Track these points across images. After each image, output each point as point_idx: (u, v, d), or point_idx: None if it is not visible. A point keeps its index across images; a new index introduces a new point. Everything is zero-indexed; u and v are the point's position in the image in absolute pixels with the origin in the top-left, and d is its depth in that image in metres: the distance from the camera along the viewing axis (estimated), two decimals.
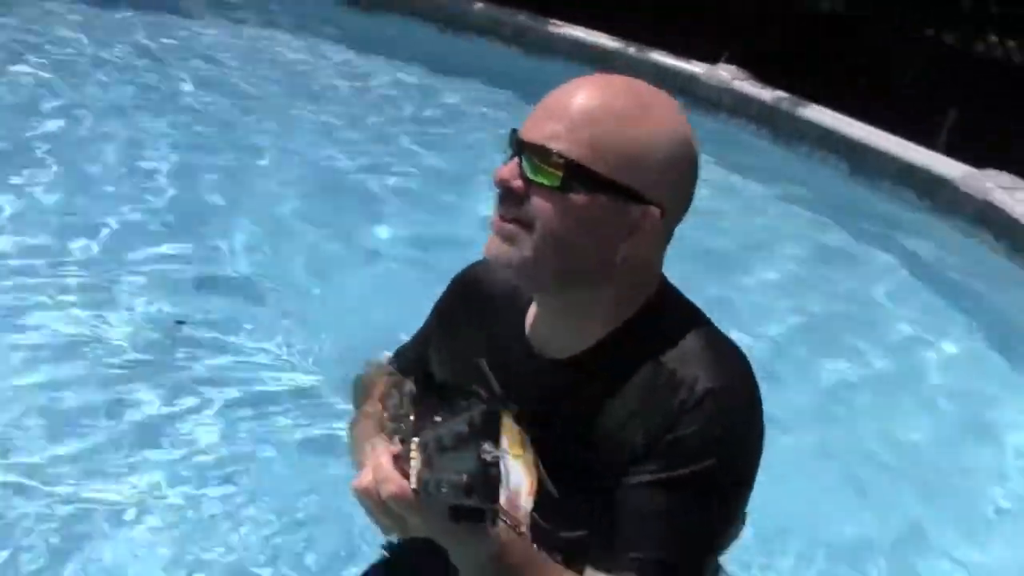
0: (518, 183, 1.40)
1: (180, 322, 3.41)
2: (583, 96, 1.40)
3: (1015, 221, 4.55)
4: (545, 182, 1.38)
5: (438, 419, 1.26)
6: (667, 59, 6.45)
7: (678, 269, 1.55)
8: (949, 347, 4.00)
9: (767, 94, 6.05)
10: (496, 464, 1.22)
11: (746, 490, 1.47)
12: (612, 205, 1.39)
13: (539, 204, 1.39)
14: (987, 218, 4.73)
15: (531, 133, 1.40)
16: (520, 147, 1.41)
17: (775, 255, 4.73)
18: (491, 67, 6.60)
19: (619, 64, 6.29)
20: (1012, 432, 3.43)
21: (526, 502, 1.49)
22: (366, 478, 1.30)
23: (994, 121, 5.88)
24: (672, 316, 1.49)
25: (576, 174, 1.37)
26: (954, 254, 4.79)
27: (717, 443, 1.39)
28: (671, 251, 1.50)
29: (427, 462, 1.22)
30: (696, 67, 6.35)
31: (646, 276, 1.50)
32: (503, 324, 1.59)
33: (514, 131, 1.44)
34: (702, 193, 1.48)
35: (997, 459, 3.30)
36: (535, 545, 1.44)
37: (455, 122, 5.96)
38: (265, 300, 3.69)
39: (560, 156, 1.37)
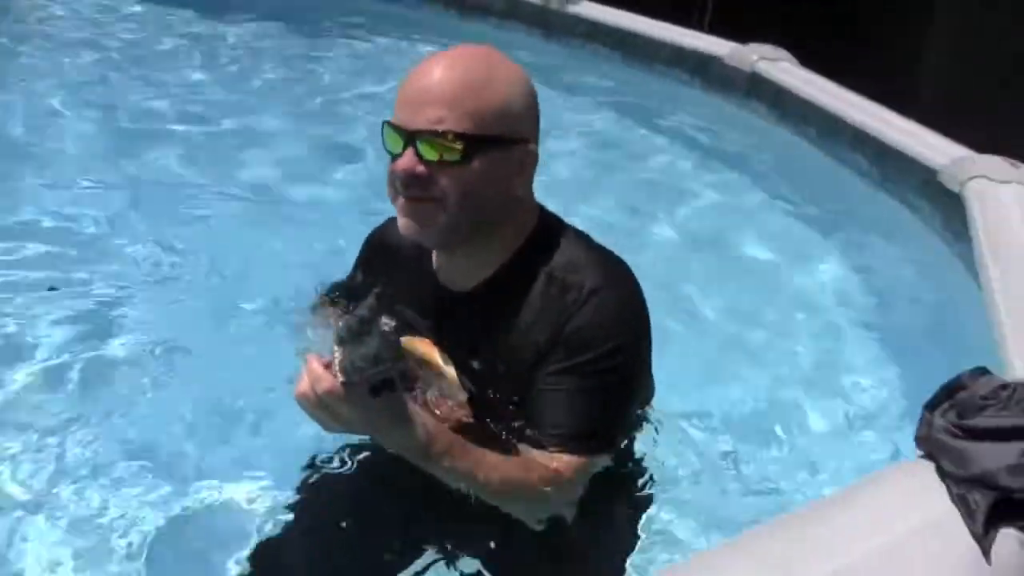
0: (421, 169, 1.62)
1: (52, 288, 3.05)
2: (445, 77, 1.61)
3: (782, 89, 4.81)
4: (448, 159, 1.61)
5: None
6: None
7: None
8: (744, 209, 4.20)
9: None
10: (395, 332, 1.45)
11: (639, 365, 1.77)
12: (502, 155, 1.65)
13: (446, 179, 1.62)
14: (756, 89, 4.98)
15: (416, 122, 1.61)
16: (411, 137, 1.61)
17: (565, 149, 4.83)
18: None
19: None
20: (805, 285, 3.60)
21: (459, 394, 1.77)
22: (303, 384, 1.48)
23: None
24: (555, 237, 1.75)
25: (471, 144, 1.60)
26: (730, 125, 5.03)
27: (606, 330, 1.66)
28: None
29: (342, 352, 1.44)
30: None
31: (530, 205, 1.78)
32: (414, 270, 1.84)
33: (390, 125, 1.64)
34: None
35: (796, 315, 3.43)
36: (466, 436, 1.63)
37: None
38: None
39: (453, 135, 1.59)
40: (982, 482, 1.43)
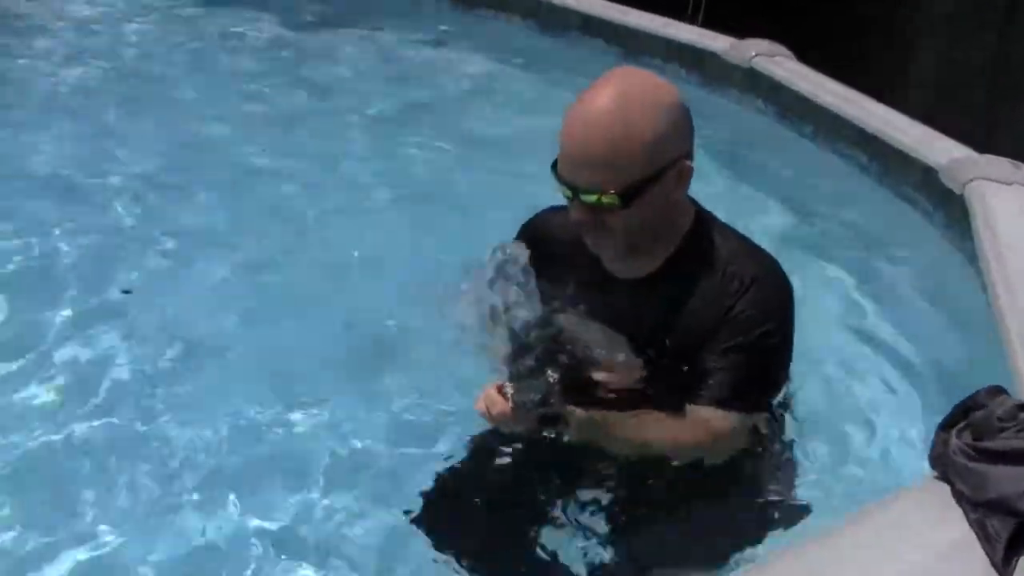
0: (589, 218, 1.91)
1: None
2: (598, 135, 1.83)
3: (778, 84, 4.76)
4: (608, 208, 1.87)
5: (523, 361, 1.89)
6: None
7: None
8: (736, 207, 4.16)
9: None
10: (560, 382, 1.85)
11: (789, 342, 2.02)
12: (660, 185, 1.88)
13: (612, 220, 1.90)
14: (753, 85, 4.94)
15: (578, 181, 1.86)
16: (574, 192, 1.88)
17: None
18: None
19: None
20: (804, 284, 3.53)
21: (632, 361, 2.01)
22: (481, 403, 1.89)
23: None
24: (710, 231, 2.03)
25: (625, 194, 1.85)
26: (727, 121, 4.98)
27: (766, 314, 1.94)
28: None
29: (514, 388, 1.83)
30: None
31: (687, 204, 2.04)
32: (578, 258, 2.06)
33: (557, 175, 1.90)
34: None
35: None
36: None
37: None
38: None
39: (608, 192, 1.85)
40: (999, 507, 1.40)
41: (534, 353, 1.86)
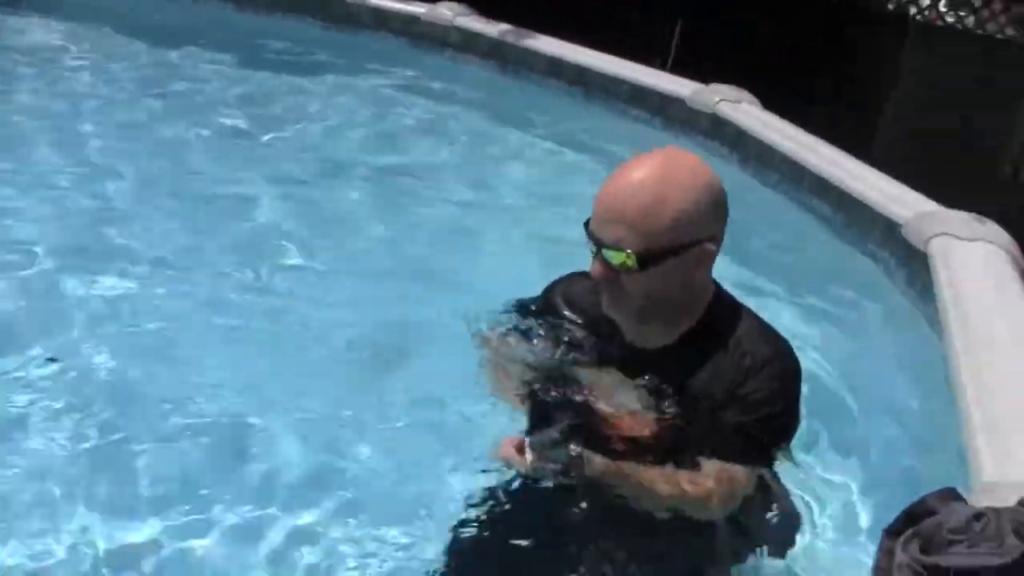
0: (608, 274, 2.02)
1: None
2: (627, 201, 1.96)
3: (742, 132, 4.68)
4: (624, 269, 1.99)
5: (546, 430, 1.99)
6: (387, 2, 6.28)
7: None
8: None
9: (492, 28, 5.98)
10: (580, 457, 1.92)
11: (798, 422, 2.13)
12: (679, 259, 2.00)
13: (628, 282, 2.02)
14: (718, 131, 4.85)
15: (604, 236, 1.99)
16: (599, 246, 2.00)
17: (517, 180, 4.69)
18: None
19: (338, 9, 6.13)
20: None
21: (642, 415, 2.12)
22: (499, 454, 1.97)
23: (710, 39, 6.05)
24: (728, 311, 2.14)
25: (646, 258, 1.97)
26: None
27: (775, 395, 2.06)
28: None
29: (534, 455, 1.92)
30: (416, 7, 6.23)
31: (708, 285, 2.15)
32: (599, 326, 2.19)
33: (587, 229, 2.02)
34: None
35: None
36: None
37: None
38: None
39: (631, 252, 1.97)
40: None
41: (555, 436, 1.94)
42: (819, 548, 2.23)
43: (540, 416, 2.16)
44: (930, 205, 3.40)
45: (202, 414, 2.71)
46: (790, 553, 2.18)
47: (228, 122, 5.21)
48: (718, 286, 2.17)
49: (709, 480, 2.00)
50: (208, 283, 3.47)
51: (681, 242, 1.98)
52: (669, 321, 2.12)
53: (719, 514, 2.06)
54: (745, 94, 4.86)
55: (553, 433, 1.94)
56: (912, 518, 1.42)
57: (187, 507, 2.37)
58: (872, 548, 1.98)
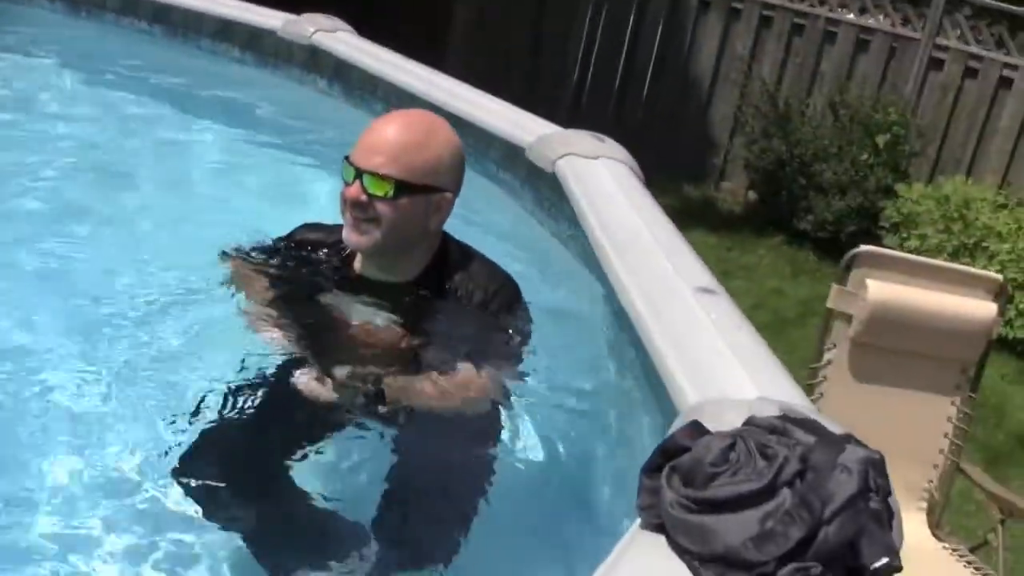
0: (363, 197, 2.24)
1: None
2: (393, 133, 2.28)
3: (343, 62, 4.58)
4: (380, 194, 2.24)
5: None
6: None
7: None
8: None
9: None
10: (381, 390, 2.13)
11: (528, 333, 2.40)
12: (423, 199, 2.28)
13: (380, 208, 2.25)
14: (315, 63, 4.72)
15: (364, 163, 2.24)
16: (359, 173, 2.24)
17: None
18: None
19: None
20: None
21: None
22: (306, 389, 2.13)
23: None
24: (457, 254, 2.42)
25: (399, 187, 2.24)
26: (289, 102, 4.75)
27: (509, 311, 2.37)
28: None
29: (343, 386, 2.12)
30: None
31: (439, 233, 2.41)
32: (332, 263, 2.46)
33: (348, 160, 2.27)
34: None
35: None
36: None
37: None
38: None
39: (388, 177, 2.23)
40: (730, 560, 1.33)
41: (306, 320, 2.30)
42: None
43: (301, 337, 2.34)
44: (550, 127, 3.52)
45: None
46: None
47: None
48: (449, 237, 2.45)
49: (471, 382, 2.26)
50: None
51: (431, 184, 2.28)
52: (402, 257, 2.36)
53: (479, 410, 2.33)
54: (340, 22, 4.76)
55: (353, 365, 2.15)
56: (667, 455, 1.47)
57: None
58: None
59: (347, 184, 2.26)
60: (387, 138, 2.26)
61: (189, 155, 4.32)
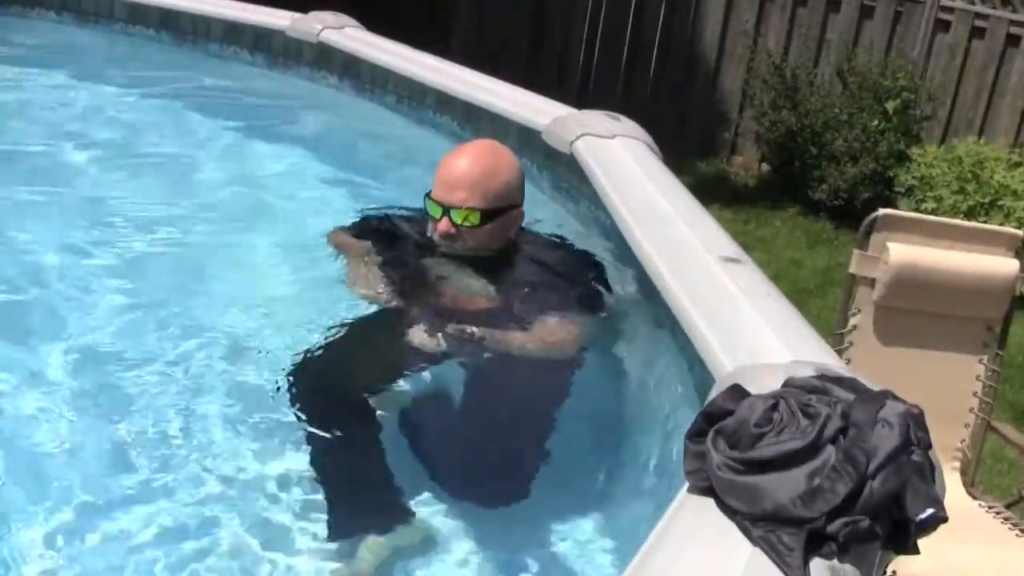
0: (453, 230, 2.58)
1: None
2: (467, 167, 2.58)
3: (351, 57, 4.61)
4: (468, 225, 2.57)
5: None
6: None
7: None
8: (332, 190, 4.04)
9: None
10: (481, 338, 2.37)
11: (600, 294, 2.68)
12: (503, 218, 2.62)
13: (468, 234, 2.59)
14: (325, 60, 4.75)
15: (448, 199, 2.56)
16: (445, 209, 2.56)
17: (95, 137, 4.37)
18: None
19: None
20: None
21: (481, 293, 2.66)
22: (417, 341, 2.39)
23: None
24: (532, 246, 2.75)
25: (483, 215, 2.56)
26: (301, 98, 4.78)
27: (582, 268, 2.72)
28: None
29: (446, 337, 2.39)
30: None
31: (514, 238, 2.73)
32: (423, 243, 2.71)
33: (431, 198, 2.59)
34: None
35: None
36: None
37: None
38: None
39: (473, 209, 2.55)
40: (779, 518, 1.36)
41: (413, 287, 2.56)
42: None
43: (408, 299, 2.57)
44: (563, 109, 3.54)
45: None
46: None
47: None
48: (524, 232, 2.77)
49: (554, 333, 2.47)
50: None
51: (506, 205, 2.61)
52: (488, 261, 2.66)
53: (564, 356, 2.53)
54: (346, 18, 4.78)
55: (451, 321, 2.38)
56: (711, 419, 1.49)
57: None
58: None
59: (435, 220, 2.58)
60: (463, 173, 2.56)
61: (208, 160, 4.35)
